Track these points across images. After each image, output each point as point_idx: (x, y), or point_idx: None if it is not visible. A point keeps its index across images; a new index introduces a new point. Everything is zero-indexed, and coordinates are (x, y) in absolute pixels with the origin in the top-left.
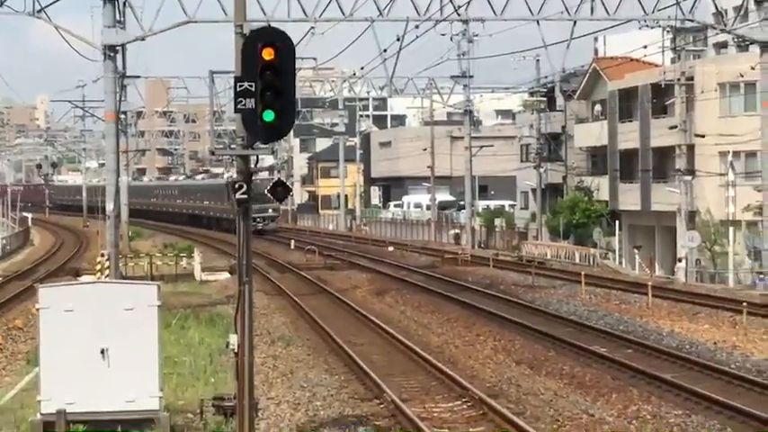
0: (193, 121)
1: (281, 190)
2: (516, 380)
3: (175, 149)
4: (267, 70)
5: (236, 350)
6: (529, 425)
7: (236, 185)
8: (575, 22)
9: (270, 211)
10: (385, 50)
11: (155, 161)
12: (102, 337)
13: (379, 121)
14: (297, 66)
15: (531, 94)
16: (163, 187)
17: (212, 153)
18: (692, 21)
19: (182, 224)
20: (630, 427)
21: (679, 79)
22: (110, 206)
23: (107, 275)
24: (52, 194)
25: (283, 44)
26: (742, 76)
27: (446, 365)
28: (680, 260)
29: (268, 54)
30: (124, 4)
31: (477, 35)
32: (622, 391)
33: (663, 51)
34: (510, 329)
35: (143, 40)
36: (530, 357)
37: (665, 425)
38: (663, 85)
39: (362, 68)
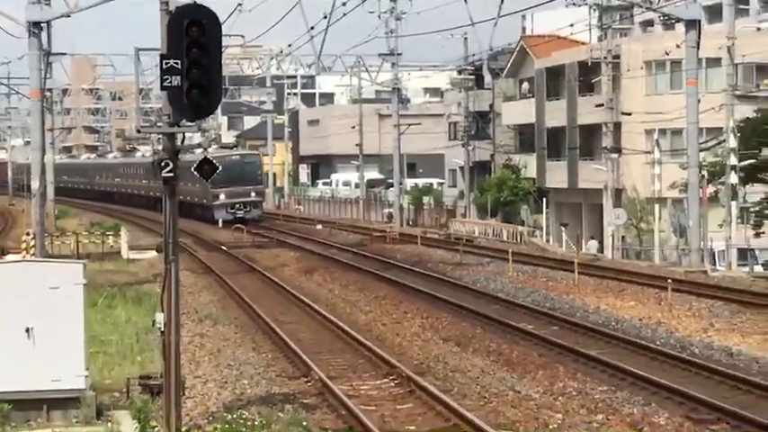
0: (120, 99)
1: (207, 168)
2: (444, 357)
3: (102, 127)
4: (193, 47)
5: (162, 329)
6: (456, 402)
7: (162, 164)
8: (502, 0)
9: (252, 194)
10: (312, 28)
11: (81, 139)
12: (28, 316)
13: (308, 99)
14: (224, 43)
15: (459, 72)
16: (129, 165)
17: (139, 131)
18: None
19: (148, 207)
20: (556, 404)
21: (605, 57)
22: (35, 184)
23: (33, 254)
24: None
25: (209, 21)
26: (668, 54)
27: (374, 343)
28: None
29: (194, 31)
30: None
31: (404, 13)
32: (549, 368)
33: (590, 29)
34: (438, 307)
35: (68, 16)
36: (457, 334)
37: (590, 401)
38: (589, 63)
39: (290, 46)
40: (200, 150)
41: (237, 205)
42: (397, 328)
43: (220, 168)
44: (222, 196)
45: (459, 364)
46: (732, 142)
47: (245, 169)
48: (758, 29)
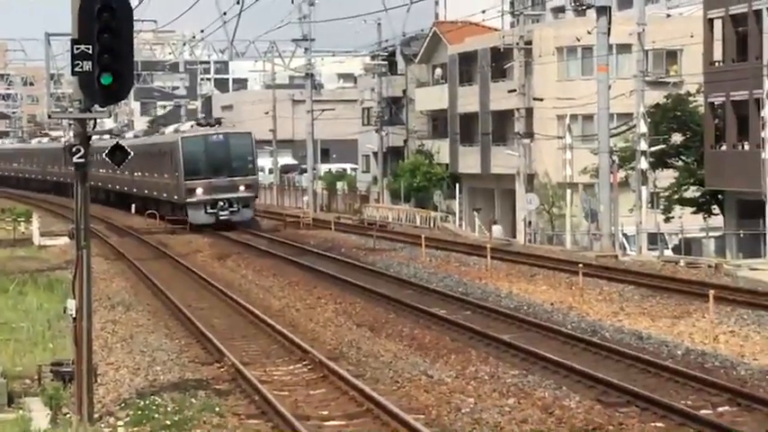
0: (31, 84)
1: (119, 154)
2: (357, 342)
3: (13, 113)
4: (104, 32)
5: (74, 315)
6: (369, 387)
7: (74, 149)
8: None
9: (241, 188)
10: (225, 13)
11: None
12: None
13: (221, 85)
14: (136, 28)
15: (373, 57)
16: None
17: (50, 116)
18: None
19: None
20: (468, 388)
21: (518, 43)
22: None
23: None
24: None
25: (121, 6)
26: (579, 40)
27: (287, 329)
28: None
29: (105, 16)
30: None
31: None
32: (461, 353)
33: (502, 15)
34: (351, 292)
35: None
36: (370, 320)
37: (502, 385)
38: (502, 49)
39: (203, 31)
40: (170, 129)
41: (221, 203)
42: (311, 313)
43: (199, 152)
44: (199, 191)
45: (373, 348)
46: (642, 128)
47: (232, 154)
48: (668, 15)
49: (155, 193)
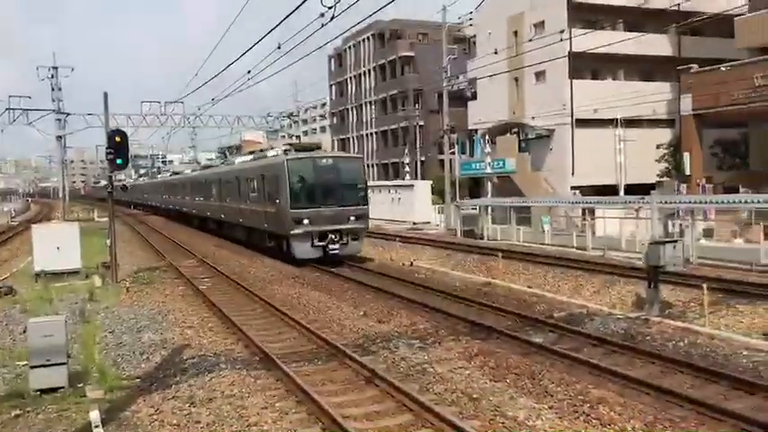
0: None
1: (121, 189)
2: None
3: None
4: (117, 144)
5: (109, 245)
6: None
7: (109, 187)
8: None
9: (351, 219)
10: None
11: None
12: (59, 243)
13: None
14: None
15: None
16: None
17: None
18: None
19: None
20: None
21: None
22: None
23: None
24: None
25: (122, 134)
26: None
27: (205, 257)
28: None
29: (117, 137)
30: None
31: None
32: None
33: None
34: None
35: None
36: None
37: None
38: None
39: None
40: (272, 153)
41: (331, 236)
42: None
43: (307, 177)
44: (306, 221)
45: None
46: None
47: (343, 180)
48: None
49: (250, 223)
